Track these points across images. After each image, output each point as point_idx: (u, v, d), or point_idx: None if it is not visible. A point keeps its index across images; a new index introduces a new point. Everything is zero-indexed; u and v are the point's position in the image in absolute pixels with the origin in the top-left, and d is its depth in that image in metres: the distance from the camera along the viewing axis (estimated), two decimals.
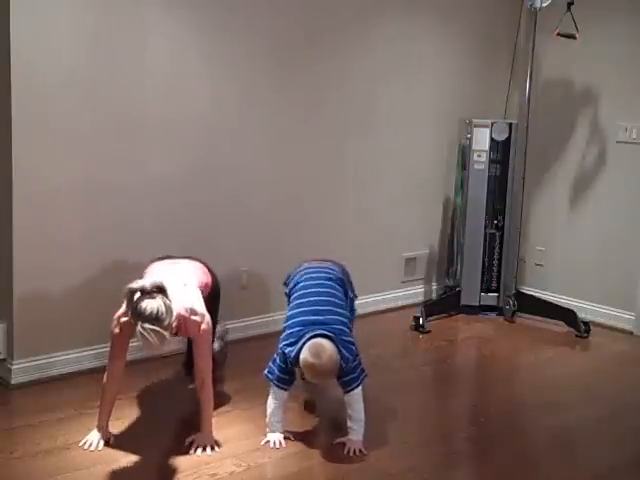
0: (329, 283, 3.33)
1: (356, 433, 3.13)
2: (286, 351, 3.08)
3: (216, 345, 3.62)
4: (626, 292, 4.94)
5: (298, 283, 3.36)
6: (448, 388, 4.16)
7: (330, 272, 3.40)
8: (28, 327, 3.63)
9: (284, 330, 3.18)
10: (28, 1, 3.43)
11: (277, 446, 3.12)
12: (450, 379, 4.27)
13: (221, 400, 3.48)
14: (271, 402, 3.16)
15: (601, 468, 3.17)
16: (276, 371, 3.13)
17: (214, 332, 3.64)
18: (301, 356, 3.00)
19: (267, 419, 3.17)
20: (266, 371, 3.17)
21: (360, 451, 3.10)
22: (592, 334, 4.81)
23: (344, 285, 3.41)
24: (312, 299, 3.23)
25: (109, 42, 3.70)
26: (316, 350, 2.99)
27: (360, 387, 3.14)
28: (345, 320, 3.20)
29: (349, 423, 3.14)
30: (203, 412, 3.12)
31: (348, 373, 3.10)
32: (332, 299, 3.25)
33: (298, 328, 3.09)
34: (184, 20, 3.95)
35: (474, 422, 3.61)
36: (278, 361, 3.13)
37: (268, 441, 3.15)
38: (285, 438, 3.17)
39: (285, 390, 3.15)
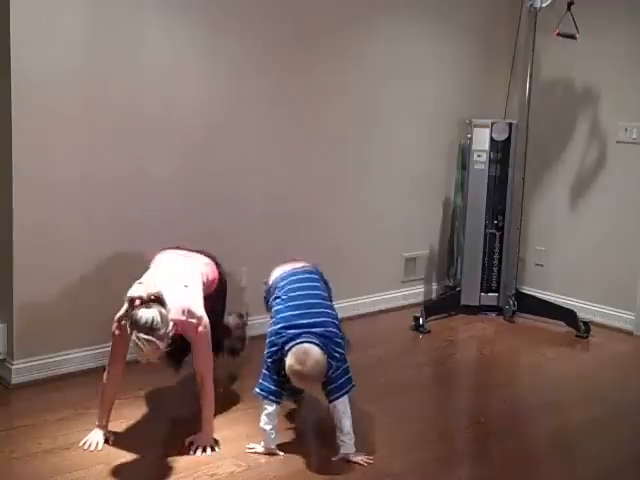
0: (315, 284, 3.27)
1: (348, 446, 3.04)
2: (272, 358, 3.01)
3: (231, 320, 3.77)
4: (626, 292, 4.94)
5: (283, 280, 3.26)
6: (448, 388, 4.16)
7: (312, 272, 3.35)
8: (28, 327, 3.64)
9: (272, 330, 3.07)
10: (28, 2, 3.44)
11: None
12: (450, 379, 4.28)
13: (221, 401, 3.47)
14: (266, 419, 3.05)
15: (601, 468, 3.17)
16: (272, 387, 3.02)
17: (224, 326, 3.65)
18: (287, 362, 2.92)
19: (265, 436, 3.07)
20: (258, 389, 3.06)
21: (368, 458, 3.06)
22: (592, 334, 4.81)
23: (327, 285, 3.36)
24: (301, 295, 3.15)
25: (108, 41, 3.70)
26: (301, 356, 2.89)
27: (346, 397, 3.03)
28: (336, 321, 3.12)
29: (338, 434, 3.05)
30: (203, 412, 3.11)
31: (332, 381, 3.01)
32: (320, 299, 3.18)
33: (286, 332, 2.99)
34: (181, 20, 3.95)
35: (474, 422, 3.61)
36: (269, 374, 3.03)
37: (254, 448, 3.10)
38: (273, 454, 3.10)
39: (279, 404, 3.07)
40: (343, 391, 3.03)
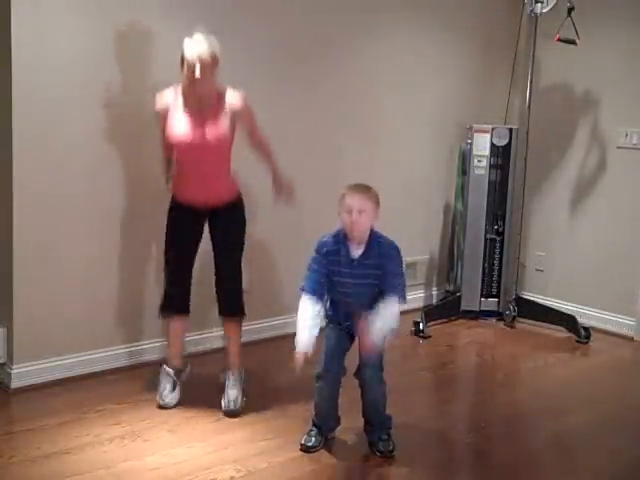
0: None
1: (376, 328, 2.96)
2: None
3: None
4: (626, 297, 4.93)
5: None
6: (448, 393, 4.15)
7: None
8: (28, 331, 3.63)
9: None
10: (29, 6, 3.44)
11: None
12: (450, 384, 4.27)
13: (220, 405, 3.47)
14: (302, 315, 3.01)
15: (602, 473, 3.16)
16: (312, 278, 3.08)
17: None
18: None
19: (297, 335, 2.99)
20: (300, 287, 3.10)
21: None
22: (592, 339, 4.80)
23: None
24: None
25: (110, 48, 3.70)
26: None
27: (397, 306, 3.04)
28: None
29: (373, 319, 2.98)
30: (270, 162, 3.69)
31: (389, 272, 3.09)
32: None
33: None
34: (183, 24, 3.95)
35: (475, 427, 3.61)
36: (313, 266, 3.11)
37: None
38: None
39: (318, 302, 3.05)
40: (398, 291, 3.09)
